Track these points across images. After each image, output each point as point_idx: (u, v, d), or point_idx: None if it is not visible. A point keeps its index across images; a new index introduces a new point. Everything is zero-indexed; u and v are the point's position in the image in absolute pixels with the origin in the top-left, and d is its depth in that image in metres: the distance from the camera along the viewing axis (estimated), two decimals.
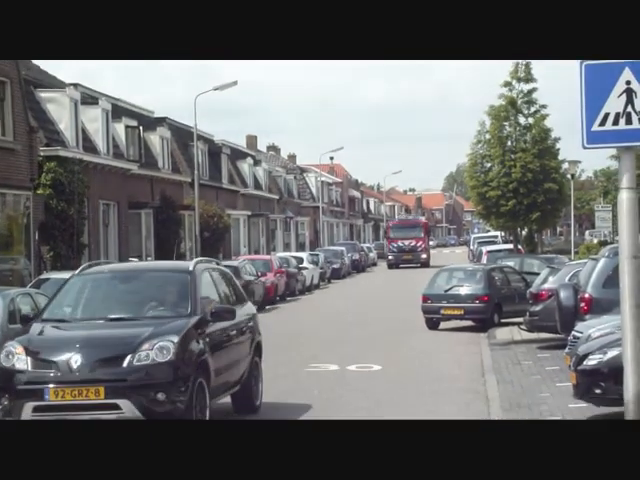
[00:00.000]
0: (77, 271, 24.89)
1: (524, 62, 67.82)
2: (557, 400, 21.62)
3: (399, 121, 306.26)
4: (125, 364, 20.00)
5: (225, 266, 49.44)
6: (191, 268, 23.16)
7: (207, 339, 21.83)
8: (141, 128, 62.06)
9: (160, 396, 19.83)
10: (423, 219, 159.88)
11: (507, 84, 70.67)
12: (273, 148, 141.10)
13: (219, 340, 22.64)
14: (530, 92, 70.72)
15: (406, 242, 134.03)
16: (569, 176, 65.48)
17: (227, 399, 23.34)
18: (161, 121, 68.49)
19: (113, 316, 22.25)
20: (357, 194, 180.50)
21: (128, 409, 20.23)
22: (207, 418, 21.69)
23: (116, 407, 20.05)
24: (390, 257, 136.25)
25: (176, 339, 20.66)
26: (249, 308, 25.78)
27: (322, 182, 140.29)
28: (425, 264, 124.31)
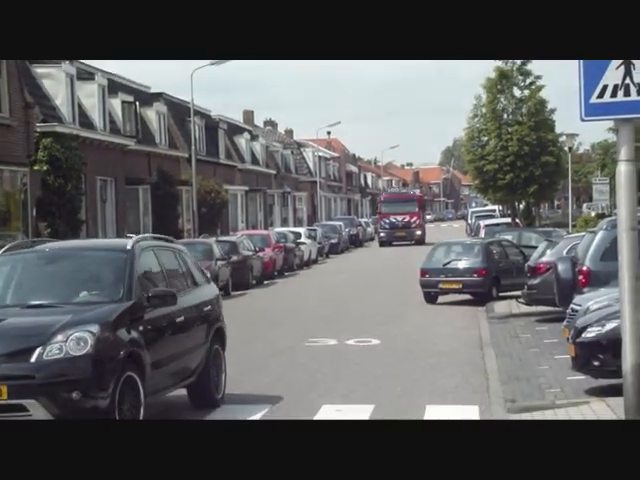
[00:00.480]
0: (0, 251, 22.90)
1: None
2: (555, 372, 21.82)
3: (397, 95, 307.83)
4: (33, 359, 18.00)
5: (223, 241, 50.21)
6: (129, 247, 21.21)
7: (142, 327, 19.97)
8: (137, 104, 62.08)
9: (75, 395, 17.84)
10: (418, 192, 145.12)
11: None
12: (270, 123, 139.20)
13: (161, 327, 21.00)
14: (524, 63, 71.55)
15: (399, 218, 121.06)
16: (566, 149, 66.20)
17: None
18: (158, 96, 68.69)
19: (33, 302, 20.39)
20: (354, 169, 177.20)
21: (36, 411, 18.26)
22: (141, 416, 19.86)
23: (22, 408, 18.06)
24: (382, 234, 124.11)
25: (96, 329, 18.71)
26: (209, 291, 24.12)
27: (319, 157, 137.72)
28: (420, 241, 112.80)
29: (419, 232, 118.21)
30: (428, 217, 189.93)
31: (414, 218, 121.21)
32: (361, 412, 18.87)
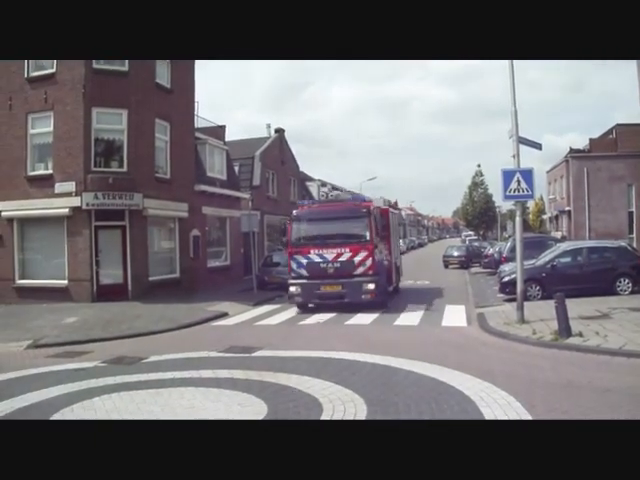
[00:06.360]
0: None
1: (480, 168, 76.93)
2: (493, 293, 21.35)
3: (442, 194, 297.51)
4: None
5: None
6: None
7: None
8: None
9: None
10: (373, 204, 18.39)
11: (474, 177, 74.28)
12: (388, 201, 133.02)
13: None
14: (482, 181, 73.76)
15: (327, 254, 16.58)
16: (498, 210, 66.52)
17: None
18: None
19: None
20: (420, 218, 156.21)
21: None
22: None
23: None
24: (293, 289, 17.05)
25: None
26: None
27: (406, 215, 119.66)
28: (382, 305, 17.08)
29: (372, 286, 16.39)
30: (447, 236, 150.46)
31: (361, 255, 16.42)
32: (420, 310, 17.96)
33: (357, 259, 17.05)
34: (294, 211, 18.56)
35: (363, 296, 16.93)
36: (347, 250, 17.06)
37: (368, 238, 17.17)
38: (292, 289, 17.57)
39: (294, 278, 17.56)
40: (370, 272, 17.06)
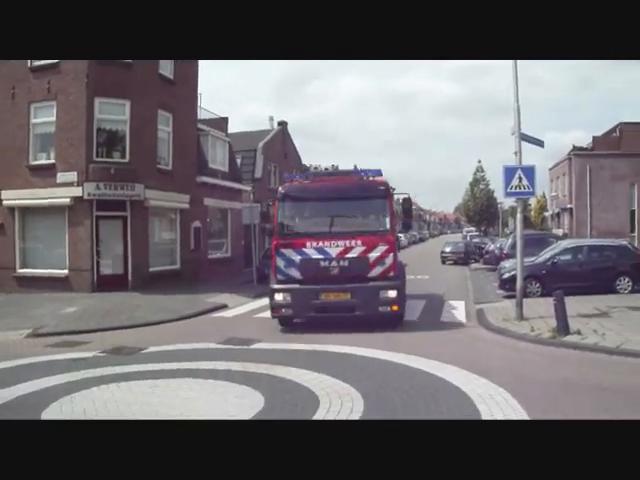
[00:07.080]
0: None
1: (480, 163, 73.89)
2: (492, 290, 21.25)
3: (445, 189, 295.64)
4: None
5: None
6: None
7: None
8: None
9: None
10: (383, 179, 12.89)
11: (475, 173, 73.60)
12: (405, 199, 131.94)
13: None
14: (483, 177, 73.07)
15: (330, 248, 11.81)
16: (500, 207, 66.25)
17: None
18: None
19: None
20: (422, 213, 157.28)
21: None
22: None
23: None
24: (278, 298, 12.19)
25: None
26: None
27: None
28: (400, 319, 12.83)
29: (393, 293, 11.88)
30: (448, 232, 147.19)
31: (379, 250, 11.89)
32: (419, 304, 17.91)
33: (373, 255, 12.42)
34: (280, 188, 13.23)
35: (381, 308, 12.38)
36: (359, 243, 12.40)
37: (388, 227, 12.69)
38: (278, 297, 12.58)
39: (280, 282, 12.57)
40: (391, 274, 12.47)
